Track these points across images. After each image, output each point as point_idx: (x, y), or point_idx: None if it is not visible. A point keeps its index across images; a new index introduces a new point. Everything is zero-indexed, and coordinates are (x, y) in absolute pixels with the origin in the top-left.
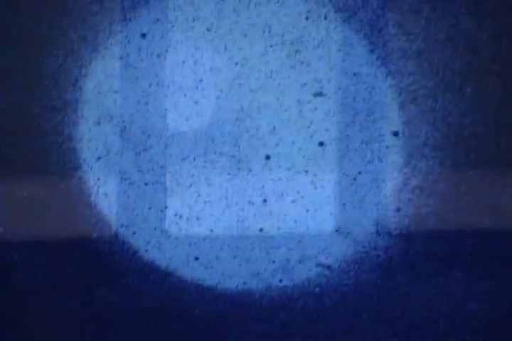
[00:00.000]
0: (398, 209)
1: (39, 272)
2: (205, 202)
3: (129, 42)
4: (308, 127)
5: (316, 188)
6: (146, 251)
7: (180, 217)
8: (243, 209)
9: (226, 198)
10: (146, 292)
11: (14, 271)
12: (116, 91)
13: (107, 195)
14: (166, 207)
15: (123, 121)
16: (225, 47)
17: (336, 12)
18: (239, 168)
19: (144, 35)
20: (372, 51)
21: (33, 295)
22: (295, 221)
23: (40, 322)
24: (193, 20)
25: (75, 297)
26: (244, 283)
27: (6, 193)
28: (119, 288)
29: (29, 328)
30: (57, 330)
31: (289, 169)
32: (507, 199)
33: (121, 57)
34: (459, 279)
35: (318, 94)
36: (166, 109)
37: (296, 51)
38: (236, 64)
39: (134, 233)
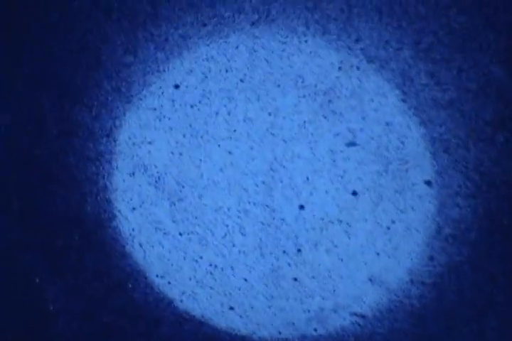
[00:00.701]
0: (431, 258)
1: (75, 321)
2: (239, 252)
3: (162, 93)
4: (342, 177)
5: (349, 237)
6: (181, 301)
7: (215, 266)
8: (277, 259)
9: (260, 248)
10: None
11: (51, 320)
12: (150, 142)
13: (141, 245)
14: (200, 257)
15: (157, 172)
16: (258, 98)
17: (368, 62)
18: (273, 218)
19: (177, 86)
20: (404, 101)
21: None
22: (329, 270)
23: None
24: (226, 70)
25: None
26: (279, 333)
27: (42, 244)
28: (154, 337)
29: None
30: None
31: (322, 218)
32: None
33: (155, 108)
34: (494, 328)
35: (351, 143)
36: (199, 160)
37: (329, 101)
38: (269, 114)
39: (169, 283)
